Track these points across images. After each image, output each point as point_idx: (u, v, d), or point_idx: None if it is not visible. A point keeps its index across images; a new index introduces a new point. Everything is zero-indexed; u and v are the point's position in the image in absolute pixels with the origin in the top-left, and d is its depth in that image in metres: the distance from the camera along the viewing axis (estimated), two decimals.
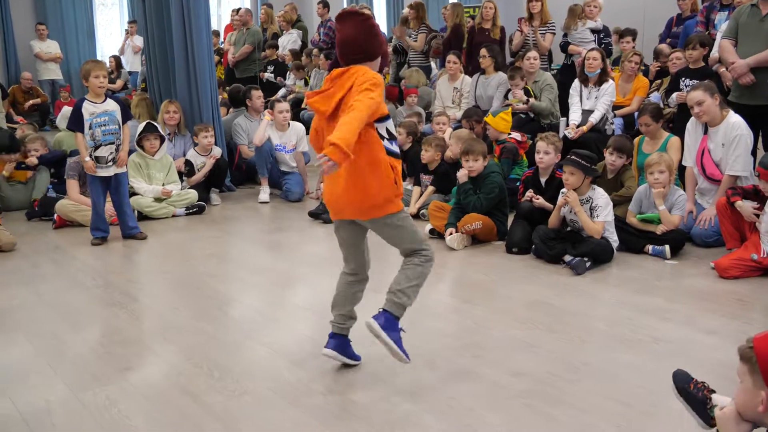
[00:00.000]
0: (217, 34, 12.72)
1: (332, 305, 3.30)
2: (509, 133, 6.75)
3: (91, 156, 5.55)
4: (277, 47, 11.64)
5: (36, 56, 12.72)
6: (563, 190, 5.06)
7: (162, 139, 6.72)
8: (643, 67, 8.02)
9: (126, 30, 13.74)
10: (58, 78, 12.99)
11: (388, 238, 3.17)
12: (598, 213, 4.89)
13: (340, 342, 3.27)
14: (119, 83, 13.10)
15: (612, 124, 7.17)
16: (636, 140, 6.13)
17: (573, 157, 4.96)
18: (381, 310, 3.08)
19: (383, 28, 14.64)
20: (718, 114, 5.27)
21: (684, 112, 6.02)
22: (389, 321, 3.05)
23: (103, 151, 5.57)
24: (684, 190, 5.45)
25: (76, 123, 5.55)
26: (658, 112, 6.06)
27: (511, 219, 5.59)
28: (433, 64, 10.66)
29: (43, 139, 7.34)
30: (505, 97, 7.75)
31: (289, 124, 7.54)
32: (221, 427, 2.83)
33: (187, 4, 7.32)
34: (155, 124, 6.73)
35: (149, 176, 6.71)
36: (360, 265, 3.29)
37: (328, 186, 3.17)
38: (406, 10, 10.59)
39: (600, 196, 4.93)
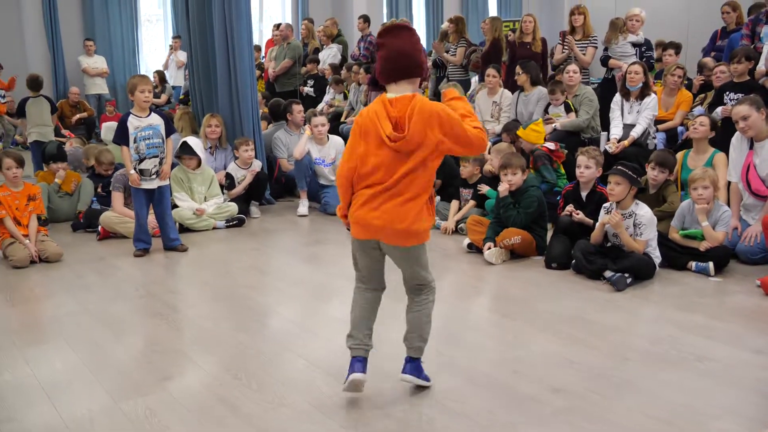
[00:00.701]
0: (258, 49, 12.90)
1: (357, 325, 3.17)
2: (542, 144, 6.71)
3: (135, 169, 5.66)
4: (317, 62, 11.75)
5: (83, 71, 13.06)
6: (605, 204, 5.00)
7: (198, 159, 6.80)
8: (686, 81, 7.91)
9: (170, 45, 14.04)
10: (104, 92, 13.32)
11: (408, 265, 3.11)
12: (641, 231, 4.81)
13: (365, 361, 3.17)
14: (164, 98, 13.36)
15: (654, 138, 7.07)
16: (680, 155, 6.04)
17: (620, 167, 4.91)
18: (410, 359, 3.15)
19: (423, 42, 14.69)
20: (764, 128, 5.17)
21: (728, 126, 5.91)
22: (418, 366, 3.19)
23: (148, 164, 5.68)
24: (729, 206, 5.34)
25: (121, 136, 5.67)
26: (715, 123, 5.98)
27: (550, 233, 5.54)
28: (472, 79, 10.66)
29: (110, 151, 7.51)
30: (546, 111, 7.70)
31: (328, 137, 7.60)
32: None
33: (230, 20, 7.45)
34: (191, 144, 6.76)
35: (191, 189, 6.81)
36: (382, 281, 3.24)
37: (365, 205, 3.01)
38: (445, 24, 10.61)
39: (644, 213, 4.85)
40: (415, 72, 2.99)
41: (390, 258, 3.13)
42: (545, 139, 6.92)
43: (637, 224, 4.83)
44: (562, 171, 6.71)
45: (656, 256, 4.89)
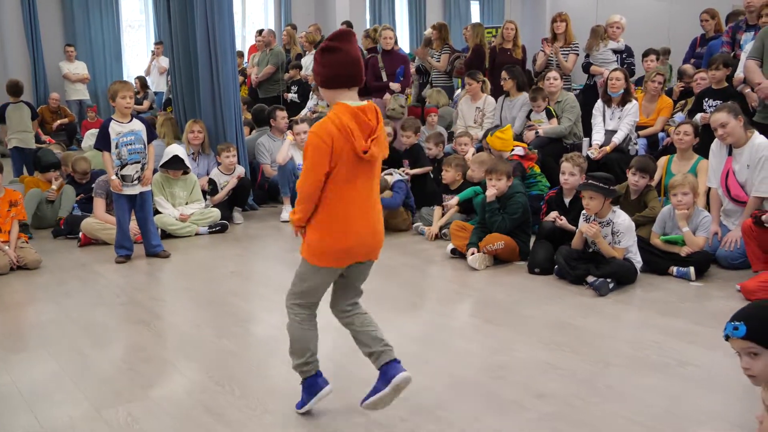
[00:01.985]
0: (241, 54, 12.86)
1: (313, 353, 3.03)
2: (512, 150, 6.70)
3: (117, 174, 5.62)
4: (300, 68, 11.74)
5: (64, 77, 12.95)
6: (584, 212, 5.03)
7: (187, 171, 6.79)
8: (666, 88, 7.98)
9: (152, 51, 13.96)
10: (86, 98, 13.21)
11: (364, 277, 3.06)
12: (620, 239, 4.85)
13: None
14: (146, 104, 13.28)
15: (635, 144, 7.13)
16: (664, 160, 6.09)
17: (590, 181, 4.91)
18: (396, 360, 2.95)
19: (406, 48, 14.73)
20: (742, 135, 5.22)
21: (708, 133, 5.97)
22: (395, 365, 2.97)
23: (129, 170, 5.64)
24: (709, 212, 5.39)
25: (103, 142, 5.63)
26: (698, 128, 6.03)
27: (533, 238, 5.57)
28: (457, 84, 10.70)
29: (87, 159, 7.45)
30: (528, 117, 7.74)
31: None
32: None
33: (212, 25, 7.42)
34: (181, 157, 6.72)
35: (172, 195, 6.77)
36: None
37: (368, 224, 2.91)
38: (429, 31, 10.65)
39: (622, 220, 4.86)
40: (361, 80, 2.91)
41: (349, 275, 3.00)
42: (522, 146, 6.88)
43: (615, 232, 4.86)
44: (537, 170, 6.69)
45: (637, 261, 4.92)
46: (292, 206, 7.74)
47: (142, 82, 13.59)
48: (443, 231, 6.29)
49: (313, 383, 3.04)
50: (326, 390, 3.04)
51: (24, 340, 4.15)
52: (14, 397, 3.33)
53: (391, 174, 6.65)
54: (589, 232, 4.84)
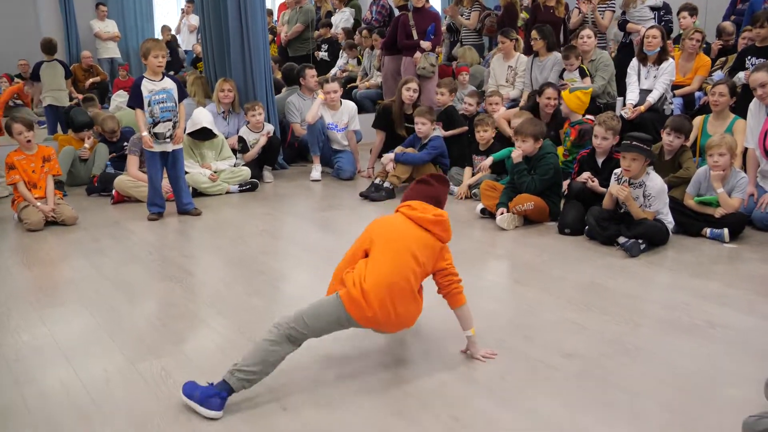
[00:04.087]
0: (270, 13, 12.78)
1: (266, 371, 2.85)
2: (583, 115, 6.54)
3: (149, 132, 5.67)
4: (330, 26, 11.64)
5: (95, 36, 12.99)
6: (616, 171, 4.95)
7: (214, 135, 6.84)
8: (704, 46, 7.78)
9: (182, 9, 13.93)
10: (117, 56, 13.23)
11: None
12: (650, 203, 4.77)
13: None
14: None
15: (671, 104, 6.98)
16: (700, 120, 5.97)
17: (633, 142, 4.74)
18: None
19: (437, 6, 14.49)
20: None
21: (748, 93, 5.83)
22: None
23: (161, 128, 5.68)
24: (746, 172, 5.28)
25: (135, 100, 5.66)
26: (734, 87, 5.87)
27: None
28: (487, 43, 10.53)
29: (114, 118, 7.52)
30: (560, 77, 7.61)
31: (341, 102, 7.56)
32: (273, 398, 2.88)
33: None
34: (208, 126, 6.73)
35: (201, 156, 6.82)
36: None
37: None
38: None
39: (654, 183, 4.76)
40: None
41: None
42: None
43: (646, 195, 4.78)
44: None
45: (669, 222, 4.85)
46: (322, 165, 7.81)
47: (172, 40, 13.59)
48: (473, 191, 6.26)
49: (223, 397, 2.77)
50: (215, 414, 2.74)
51: (60, 294, 4.24)
52: (52, 350, 3.42)
53: (424, 124, 6.56)
54: (620, 194, 4.78)
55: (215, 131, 6.83)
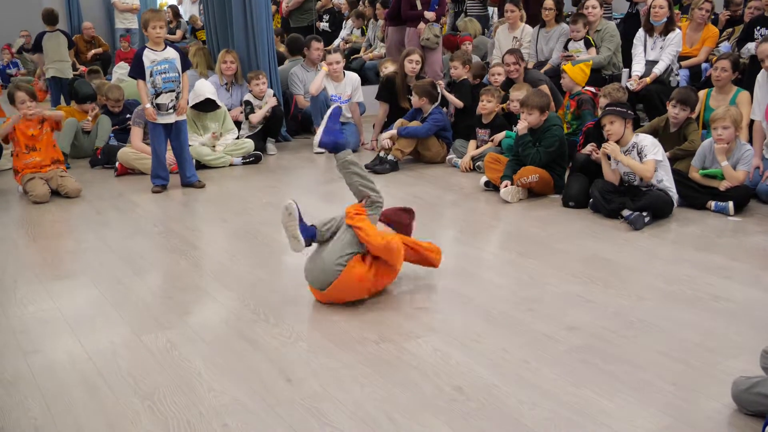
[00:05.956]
0: None
1: None
2: (583, 87, 6.50)
3: (152, 103, 5.64)
4: None
5: (113, 4, 12.74)
6: (605, 144, 4.94)
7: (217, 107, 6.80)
8: (712, 16, 7.69)
9: None
10: (134, 27, 12.95)
11: None
12: (646, 153, 4.77)
13: None
14: (179, 33, 13.18)
15: (677, 75, 6.92)
16: (703, 93, 5.91)
17: (606, 107, 4.95)
18: None
19: None
20: None
21: (755, 64, 5.77)
22: None
23: (164, 99, 5.66)
24: (752, 145, 5.25)
25: (137, 70, 5.63)
26: (737, 61, 5.81)
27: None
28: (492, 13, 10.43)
29: (119, 87, 7.49)
30: (565, 47, 7.54)
31: (344, 74, 7.51)
32: (277, 371, 2.90)
33: None
34: (211, 97, 6.68)
35: (204, 127, 6.80)
36: None
37: None
38: None
39: (644, 138, 4.86)
40: None
41: None
42: None
43: (640, 150, 4.79)
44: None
45: (673, 193, 4.83)
46: None
47: (174, 11, 13.47)
48: (477, 164, 6.24)
49: None
50: None
51: (65, 267, 4.26)
52: (58, 322, 3.44)
53: (424, 100, 6.51)
54: (607, 149, 4.82)
55: (218, 102, 6.80)
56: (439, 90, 6.64)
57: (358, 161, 3.72)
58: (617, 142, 4.86)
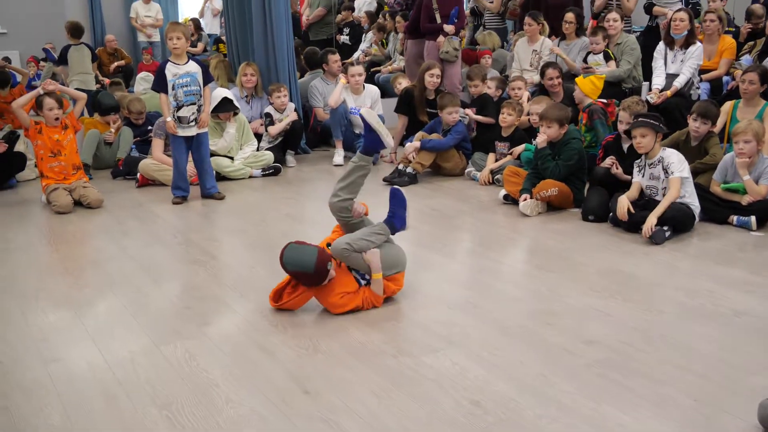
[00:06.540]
0: None
1: None
2: (595, 99, 6.48)
3: (174, 116, 5.70)
4: (352, 9, 11.60)
5: (139, 26, 12.77)
6: (637, 162, 4.89)
7: (236, 111, 6.82)
8: (732, 29, 7.64)
9: None
10: (155, 40, 12.96)
11: None
12: (673, 169, 4.73)
13: None
14: (200, 46, 13.28)
15: (698, 88, 6.88)
16: (729, 105, 5.86)
17: (640, 119, 4.85)
18: None
19: None
20: None
21: None
22: None
23: (186, 112, 5.71)
24: None
25: (160, 84, 5.70)
26: (765, 74, 5.76)
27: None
28: (510, 27, 10.43)
29: (140, 100, 7.57)
30: (584, 60, 7.52)
31: (363, 87, 7.54)
32: (294, 383, 2.91)
33: None
34: (230, 98, 6.73)
35: (225, 132, 6.83)
36: None
37: None
38: None
39: (671, 153, 4.79)
40: None
41: None
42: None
43: (666, 166, 4.74)
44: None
45: (695, 206, 4.79)
46: (344, 150, 7.83)
47: (196, 24, 13.59)
48: (496, 177, 6.23)
49: None
50: None
51: (86, 276, 4.30)
52: (78, 330, 3.47)
53: (456, 112, 6.55)
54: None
55: (236, 103, 6.80)
56: (467, 118, 6.75)
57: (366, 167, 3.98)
58: (645, 154, 4.83)
